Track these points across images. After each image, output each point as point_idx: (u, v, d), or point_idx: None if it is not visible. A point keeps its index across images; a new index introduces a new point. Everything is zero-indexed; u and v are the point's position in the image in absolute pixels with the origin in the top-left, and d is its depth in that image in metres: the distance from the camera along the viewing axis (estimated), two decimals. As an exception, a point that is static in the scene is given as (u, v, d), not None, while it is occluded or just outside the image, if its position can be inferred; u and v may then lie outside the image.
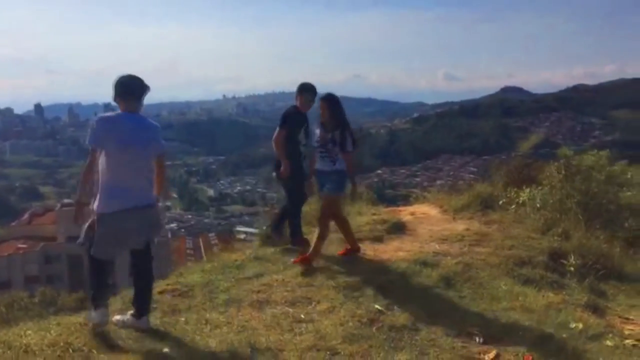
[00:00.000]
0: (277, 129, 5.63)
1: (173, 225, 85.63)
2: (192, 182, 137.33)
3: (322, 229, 5.26)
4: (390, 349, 3.62)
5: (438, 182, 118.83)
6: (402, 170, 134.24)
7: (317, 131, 5.35)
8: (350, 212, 7.96)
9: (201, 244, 65.15)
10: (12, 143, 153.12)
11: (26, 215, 48.30)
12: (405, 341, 3.81)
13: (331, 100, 5.27)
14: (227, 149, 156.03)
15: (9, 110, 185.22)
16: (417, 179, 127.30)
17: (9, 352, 3.32)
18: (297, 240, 5.79)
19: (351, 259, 5.42)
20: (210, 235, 70.18)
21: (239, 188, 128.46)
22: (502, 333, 3.97)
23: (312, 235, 5.55)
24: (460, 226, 6.87)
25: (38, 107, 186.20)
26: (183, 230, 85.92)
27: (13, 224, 47.31)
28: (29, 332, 3.63)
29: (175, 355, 3.32)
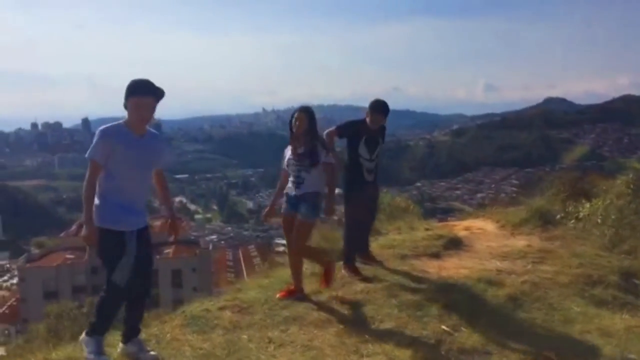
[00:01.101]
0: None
1: (213, 237, 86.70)
2: (232, 194, 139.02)
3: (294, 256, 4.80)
4: (463, 374, 3.45)
5: (479, 195, 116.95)
6: (442, 183, 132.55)
7: (287, 151, 4.77)
8: (402, 227, 7.80)
9: (241, 256, 65.74)
10: (60, 156, 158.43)
11: (74, 227, 49.59)
12: (477, 365, 3.63)
13: (311, 113, 4.68)
14: (266, 162, 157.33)
15: (57, 125, 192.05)
16: (457, 192, 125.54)
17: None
18: (349, 266, 5.32)
19: (413, 276, 5.23)
20: (249, 247, 70.69)
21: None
22: (579, 358, 3.75)
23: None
24: (519, 242, 6.61)
25: (85, 121, 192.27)
26: (223, 242, 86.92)
27: (61, 235, 48.67)
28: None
29: (242, 375, 3.22)
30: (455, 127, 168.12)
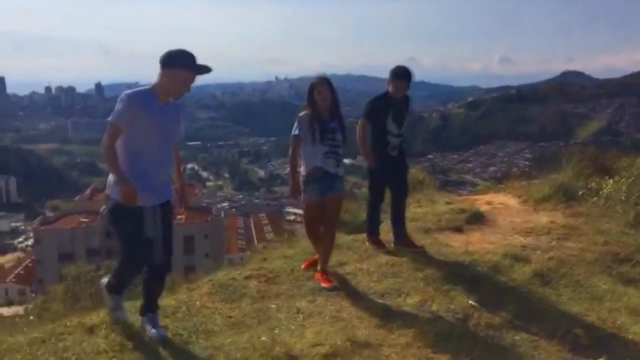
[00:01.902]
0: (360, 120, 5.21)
1: (225, 204, 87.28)
2: (244, 162, 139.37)
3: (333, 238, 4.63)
4: (494, 350, 3.45)
5: (491, 168, 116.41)
6: (454, 156, 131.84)
7: (303, 118, 4.42)
8: (422, 200, 7.76)
9: (252, 224, 66.28)
10: (74, 121, 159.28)
11: (88, 191, 50.10)
12: (506, 341, 3.64)
13: (332, 84, 4.44)
14: (278, 130, 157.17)
15: (71, 89, 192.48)
16: (470, 165, 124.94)
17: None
18: (372, 239, 5.25)
19: (437, 250, 5.21)
20: (261, 215, 71.21)
21: (289, 169, 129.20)
22: (609, 337, 3.74)
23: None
24: (543, 218, 6.54)
25: (98, 86, 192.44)
26: (234, 209, 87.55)
27: (76, 198, 49.20)
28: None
29: (274, 344, 3.25)
30: (469, 99, 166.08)
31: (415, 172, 11.15)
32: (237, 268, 4.76)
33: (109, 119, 3.20)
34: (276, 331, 3.52)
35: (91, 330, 3.30)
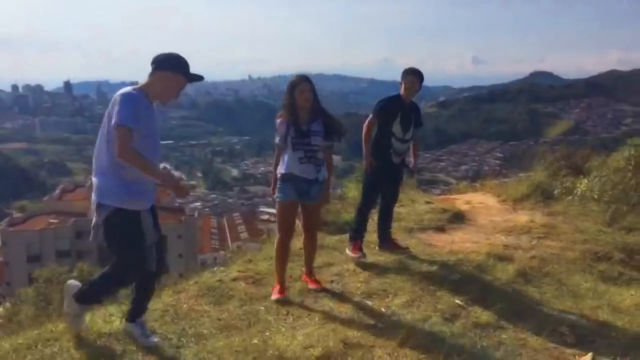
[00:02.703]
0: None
1: (197, 204, 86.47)
2: (217, 161, 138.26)
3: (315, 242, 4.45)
4: (483, 349, 3.49)
5: (463, 167, 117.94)
6: (427, 155, 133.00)
7: (280, 124, 4.13)
8: (402, 199, 7.80)
9: (225, 224, 65.82)
10: (42, 120, 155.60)
11: (57, 191, 49.10)
12: (492, 339, 3.67)
13: (312, 82, 4.12)
14: (251, 130, 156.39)
15: (39, 87, 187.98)
16: (442, 164, 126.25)
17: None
18: (355, 244, 5.06)
19: (422, 251, 5.25)
20: (234, 215, 70.75)
21: (262, 169, 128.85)
22: (593, 334, 3.81)
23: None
24: (523, 217, 6.67)
25: (67, 84, 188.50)
26: (207, 209, 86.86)
27: (45, 199, 48.18)
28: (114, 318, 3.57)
29: (266, 347, 3.22)
30: (441, 99, 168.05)
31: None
32: (222, 270, 4.70)
33: (118, 122, 2.93)
34: (267, 333, 3.49)
35: (78, 336, 3.22)
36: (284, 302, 4.02)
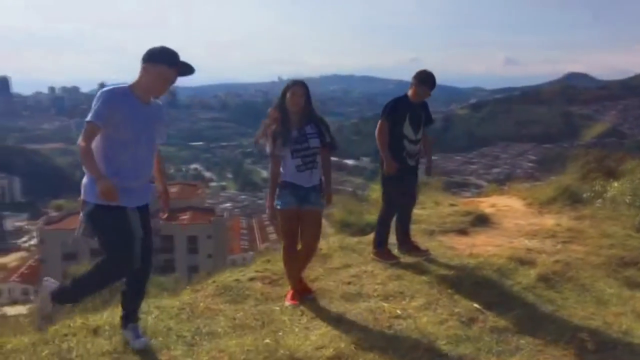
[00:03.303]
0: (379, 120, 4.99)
1: (228, 205, 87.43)
2: (247, 163, 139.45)
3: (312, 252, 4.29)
4: (498, 354, 3.43)
5: (494, 170, 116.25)
6: (457, 157, 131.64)
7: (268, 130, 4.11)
8: (425, 201, 7.74)
9: (255, 224, 66.35)
10: (77, 121, 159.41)
11: (91, 191, 50.15)
12: (510, 345, 3.61)
13: (307, 87, 4.10)
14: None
15: (75, 89, 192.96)
16: (473, 167, 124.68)
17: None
18: (381, 251, 5.04)
19: (442, 253, 5.20)
20: (263, 216, 71.25)
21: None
22: (615, 341, 3.70)
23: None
24: (548, 221, 6.52)
25: (102, 86, 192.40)
26: (237, 210, 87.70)
27: (79, 198, 49.26)
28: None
29: (278, 347, 3.23)
30: (473, 100, 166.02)
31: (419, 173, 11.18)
32: (241, 269, 4.74)
33: (88, 118, 2.98)
34: (280, 334, 3.50)
35: (95, 331, 3.29)
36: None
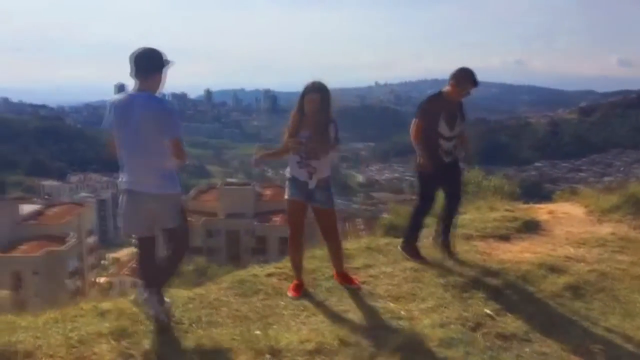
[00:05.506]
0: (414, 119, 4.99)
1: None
2: (342, 167, 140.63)
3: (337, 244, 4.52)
4: (491, 358, 3.33)
5: (606, 178, 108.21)
6: (565, 164, 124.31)
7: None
8: (482, 206, 7.51)
9: (348, 228, 66.62)
10: (185, 126, 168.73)
11: (192, 192, 53.05)
12: (511, 352, 3.48)
13: (326, 91, 4.21)
14: (377, 136, 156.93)
15: (183, 96, 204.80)
16: (582, 174, 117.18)
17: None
18: (409, 248, 5.06)
19: (470, 258, 5.06)
20: (357, 220, 71.40)
21: (387, 175, 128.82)
22: (628, 356, 3.46)
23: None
24: (604, 229, 6.11)
25: (208, 92, 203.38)
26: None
27: (182, 198, 52.16)
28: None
29: (264, 338, 3.36)
30: (583, 104, 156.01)
31: (493, 179, 10.83)
32: (261, 265, 4.90)
33: (177, 134, 3.57)
34: (274, 327, 3.62)
35: (102, 314, 3.59)
36: (302, 297, 4.15)
